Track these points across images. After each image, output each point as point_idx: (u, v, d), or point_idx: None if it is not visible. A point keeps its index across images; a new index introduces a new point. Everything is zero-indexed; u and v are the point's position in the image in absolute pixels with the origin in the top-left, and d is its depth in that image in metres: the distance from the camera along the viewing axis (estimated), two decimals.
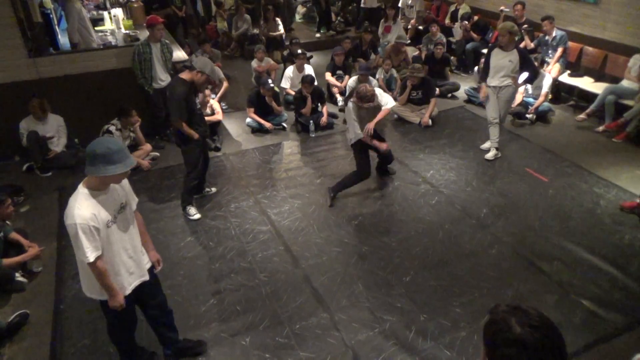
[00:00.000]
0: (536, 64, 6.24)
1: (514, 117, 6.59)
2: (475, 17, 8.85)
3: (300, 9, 12.24)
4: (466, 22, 8.66)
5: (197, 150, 4.58)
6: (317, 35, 10.69)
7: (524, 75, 5.50)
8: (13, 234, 3.99)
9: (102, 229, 2.46)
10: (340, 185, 4.97)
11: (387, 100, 4.74)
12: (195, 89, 4.43)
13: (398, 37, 8.23)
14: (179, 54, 6.41)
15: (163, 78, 5.89)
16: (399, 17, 9.83)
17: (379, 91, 4.77)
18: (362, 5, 10.41)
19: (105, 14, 8.00)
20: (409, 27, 9.86)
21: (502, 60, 5.34)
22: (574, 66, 7.32)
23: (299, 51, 7.42)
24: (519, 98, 6.53)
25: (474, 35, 8.56)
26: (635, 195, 4.81)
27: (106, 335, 3.38)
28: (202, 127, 4.57)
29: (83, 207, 2.41)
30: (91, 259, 2.42)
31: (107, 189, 2.53)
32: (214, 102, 6.43)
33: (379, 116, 4.73)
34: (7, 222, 4.09)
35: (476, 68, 7.26)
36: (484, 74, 5.62)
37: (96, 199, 2.46)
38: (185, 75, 4.36)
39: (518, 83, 5.52)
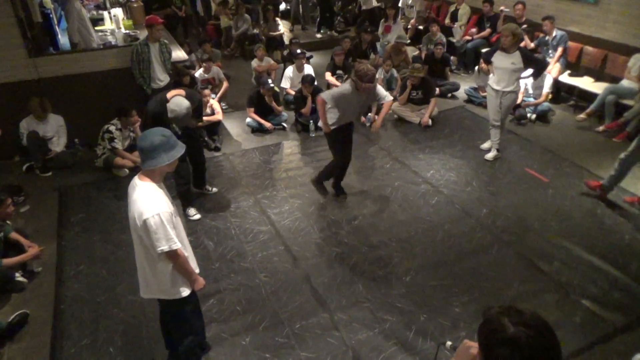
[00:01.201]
0: None
1: (516, 119, 6.60)
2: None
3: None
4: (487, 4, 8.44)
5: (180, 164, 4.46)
6: (318, 35, 10.69)
7: (528, 70, 5.47)
8: (13, 234, 3.98)
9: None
10: (322, 176, 4.93)
11: (385, 94, 4.50)
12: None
13: (398, 37, 8.23)
14: (179, 54, 6.41)
15: (162, 78, 5.88)
16: (399, 17, 9.83)
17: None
18: (362, 7, 10.41)
19: (105, 14, 7.99)
20: (409, 27, 9.86)
21: (504, 63, 5.26)
22: (574, 66, 7.32)
23: (298, 51, 7.42)
24: (519, 98, 6.53)
25: (482, 33, 8.49)
26: (627, 192, 4.82)
27: (106, 335, 3.41)
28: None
29: (157, 197, 2.39)
30: (179, 244, 2.41)
31: (161, 182, 2.52)
32: (214, 102, 6.43)
33: (383, 112, 4.57)
34: (7, 222, 4.09)
35: (477, 67, 7.25)
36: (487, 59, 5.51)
37: (161, 191, 2.46)
38: (171, 95, 4.15)
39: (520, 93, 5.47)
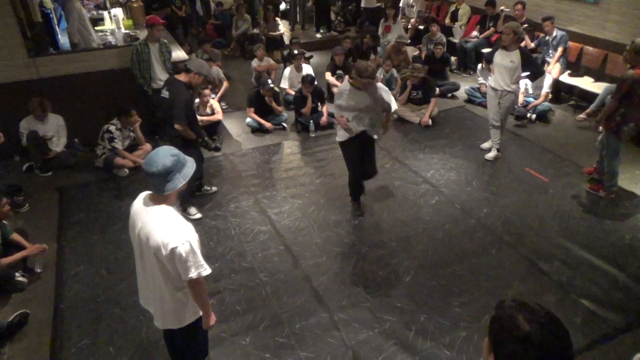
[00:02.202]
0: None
1: (515, 117, 6.59)
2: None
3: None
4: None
5: (197, 152, 4.58)
6: (318, 35, 10.69)
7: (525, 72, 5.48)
8: (14, 235, 3.98)
9: None
10: (353, 195, 4.82)
11: (390, 100, 4.40)
12: (193, 91, 4.42)
13: (398, 36, 8.22)
14: (179, 54, 6.40)
15: (162, 78, 5.85)
16: (399, 16, 9.84)
17: (383, 87, 4.52)
18: (362, 5, 10.41)
19: (105, 13, 7.98)
20: (409, 27, 9.86)
21: (503, 61, 5.27)
22: (574, 66, 7.32)
23: (295, 51, 7.43)
24: (520, 98, 6.53)
25: (485, 33, 8.47)
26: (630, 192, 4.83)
27: (106, 335, 3.40)
28: (197, 127, 4.58)
29: (181, 222, 2.24)
30: (208, 269, 2.28)
31: (175, 203, 2.37)
32: (214, 102, 6.43)
33: (385, 119, 4.46)
34: (5, 221, 4.08)
35: (480, 66, 7.24)
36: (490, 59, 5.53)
37: (179, 215, 2.32)
38: (183, 77, 4.30)
39: (519, 97, 5.48)
